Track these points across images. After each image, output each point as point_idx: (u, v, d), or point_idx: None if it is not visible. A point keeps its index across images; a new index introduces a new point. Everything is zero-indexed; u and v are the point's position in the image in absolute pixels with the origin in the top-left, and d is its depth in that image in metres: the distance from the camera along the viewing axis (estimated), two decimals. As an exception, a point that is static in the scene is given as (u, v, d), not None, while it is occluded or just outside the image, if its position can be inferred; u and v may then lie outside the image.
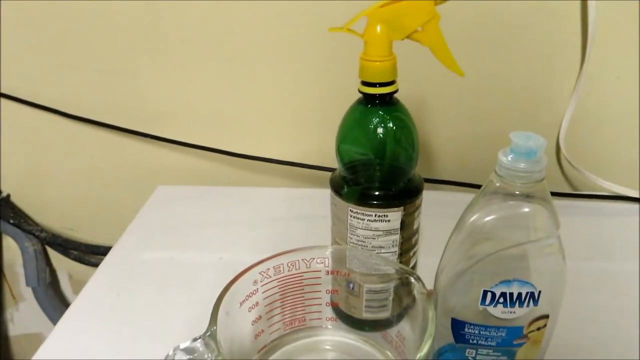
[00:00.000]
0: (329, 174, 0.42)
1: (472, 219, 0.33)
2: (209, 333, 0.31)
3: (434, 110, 0.64)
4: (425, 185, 0.41)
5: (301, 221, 0.60)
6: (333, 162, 0.41)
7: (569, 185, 0.68)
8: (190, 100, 0.67)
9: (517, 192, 0.30)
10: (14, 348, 0.89)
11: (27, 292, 0.82)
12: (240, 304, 0.36)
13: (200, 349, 0.30)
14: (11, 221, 0.73)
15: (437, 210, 0.48)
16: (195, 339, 0.30)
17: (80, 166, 0.72)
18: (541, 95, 0.63)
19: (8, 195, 0.75)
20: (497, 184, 0.31)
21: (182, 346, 0.30)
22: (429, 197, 0.42)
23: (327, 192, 0.41)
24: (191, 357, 0.29)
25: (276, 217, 0.62)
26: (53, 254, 0.79)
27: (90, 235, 0.77)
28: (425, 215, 0.42)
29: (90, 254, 0.76)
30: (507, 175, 0.30)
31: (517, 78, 0.62)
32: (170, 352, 0.30)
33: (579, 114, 0.62)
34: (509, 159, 0.29)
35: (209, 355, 0.29)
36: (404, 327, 0.40)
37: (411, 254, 0.42)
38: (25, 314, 0.86)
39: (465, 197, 0.35)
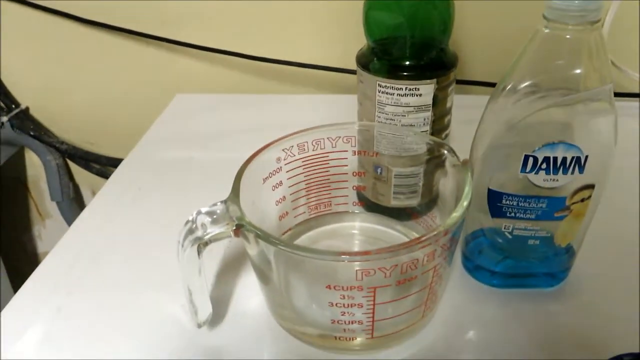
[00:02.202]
0: (353, 78, 0.38)
1: (512, 82, 0.30)
2: (229, 198, 0.29)
3: (467, 4, 0.59)
4: (455, 88, 0.38)
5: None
6: (353, 66, 0.38)
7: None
8: (208, 3, 0.63)
9: (568, 37, 0.27)
10: (44, 265, 0.91)
11: (53, 209, 0.83)
12: (264, 181, 0.35)
13: (221, 211, 0.28)
14: (32, 133, 0.72)
15: (468, 114, 0.44)
16: (215, 204, 0.29)
17: (98, 75, 0.70)
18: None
19: (27, 108, 0.74)
20: (546, 31, 0.28)
21: (203, 210, 0.29)
22: (458, 102, 0.39)
23: (352, 98, 0.38)
24: (213, 217, 0.28)
25: (299, 122, 0.58)
26: (75, 169, 0.79)
27: (111, 149, 0.76)
28: (455, 120, 0.39)
29: (112, 167, 0.75)
30: (559, 17, 0.27)
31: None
32: (192, 216, 0.29)
33: (623, 11, 0.57)
34: (561, -4, 0.26)
35: (232, 216, 0.28)
36: (436, 213, 0.38)
37: (443, 136, 0.39)
38: (52, 231, 0.87)
39: None
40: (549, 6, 0.27)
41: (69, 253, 0.41)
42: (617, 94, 0.60)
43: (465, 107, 0.43)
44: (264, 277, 0.31)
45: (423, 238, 0.25)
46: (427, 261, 0.27)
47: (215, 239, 0.28)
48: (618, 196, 0.41)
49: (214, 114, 0.63)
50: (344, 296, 0.27)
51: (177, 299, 0.34)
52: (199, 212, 0.29)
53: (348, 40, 0.62)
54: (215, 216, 0.28)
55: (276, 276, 0.30)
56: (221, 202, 0.29)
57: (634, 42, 0.61)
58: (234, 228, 0.28)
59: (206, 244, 0.28)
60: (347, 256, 0.25)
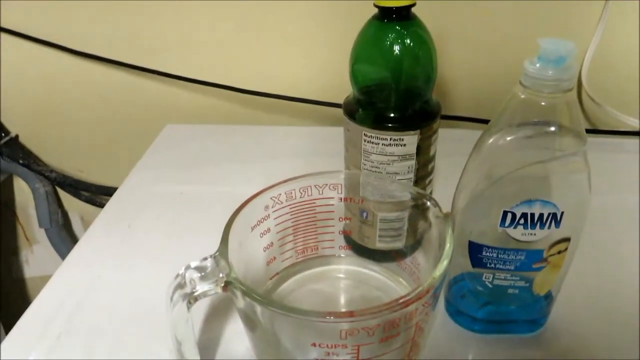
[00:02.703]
0: (339, 111, 0.40)
1: (493, 138, 0.32)
2: (218, 252, 0.30)
3: (450, 42, 0.61)
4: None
5: (311, 158, 0.59)
6: (342, 98, 0.40)
7: (590, 122, 0.65)
8: (197, 37, 0.64)
9: (543, 104, 0.28)
10: (30, 289, 0.90)
11: (41, 235, 0.83)
12: (252, 229, 0.35)
13: (210, 266, 0.29)
14: (21, 161, 0.72)
15: (451, 147, 0.46)
16: (205, 258, 0.30)
17: (88, 105, 0.71)
18: (564, 28, 0.60)
19: (17, 136, 0.74)
20: (522, 96, 0.29)
21: (192, 265, 0.29)
22: (443, 135, 0.41)
23: (337, 130, 0.39)
24: (202, 274, 0.29)
25: (286, 154, 0.60)
26: (64, 196, 0.79)
27: (101, 176, 0.77)
28: (438, 153, 0.41)
29: (102, 195, 0.75)
30: (533, 85, 0.28)
31: (538, 9, 0.59)
32: (182, 271, 0.29)
33: (602, 50, 0.59)
34: (536, 66, 0.28)
35: (221, 273, 0.29)
36: (419, 256, 0.39)
37: (427, 182, 0.40)
38: (39, 256, 0.87)
39: (480, 134, 0.33)
40: (524, 73, 0.28)
41: (56, 296, 0.41)
42: (600, 131, 0.61)
43: (450, 140, 0.45)
44: (251, 327, 0.32)
45: (406, 298, 0.26)
46: (410, 318, 0.28)
47: (204, 295, 0.29)
48: (595, 240, 0.43)
49: (203, 144, 0.64)
50: (328, 353, 0.27)
51: (166, 343, 0.35)
52: (188, 267, 0.29)
53: (335, 73, 0.63)
54: (204, 273, 0.29)
55: (263, 328, 0.31)
56: (210, 256, 0.30)
57: (616, 77, 0.63)
58: (222, 285, 0.28)
59: (195, 299, 0.29)
60: (332, 317, 0.26)
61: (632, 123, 0.61)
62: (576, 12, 0.59)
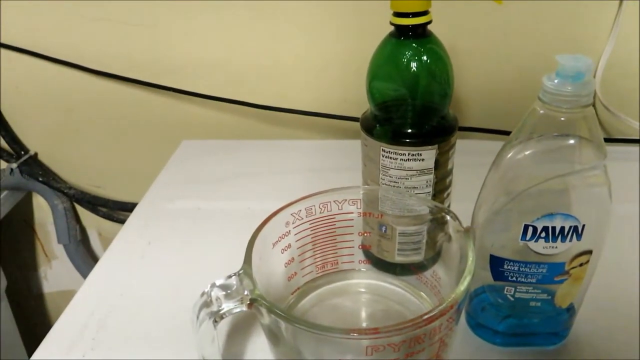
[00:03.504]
0: (355, 124, 0.40)
1: (512, 152, 0.32)
2: (242, 270, 0.30)
3: (464, 55, 0.61)
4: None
5: (328, 172, 0.60)
6: (358, 112, 0.40)
7: (605, 130, 0.65)
8: (213, 53, 0.65)
9: (562, 119, 0.28)
10: (49, 305, 0.92)
11: (59, 250, 0.84)
12: (273, 245, 0.36)
13: (235, 284, 0.29)
14: (40, 179, 0.73)
15: (467, 159, 0.46)
16: (229, 276, 0.30)
17: (105, 122, 0.72)
18: (577, 38, 0.60)
19: (36, 154, 0.75)
20: (541, 112, 0.29)
21: (217, 283, 0.30)
22: (459, 146, 0.41)
23: (353, 143, 0.40)
24: (227, 292, 0.29)
25: (302, 168, 0.61)
26: (82, 211, 0.80)
27: (118, 192, 0.78)
28: (455, 164, 0.41)
29: (119, 211, 0.76)
30: (552, 101, 0.28)
31: (552, 19, 0.59)
32: (207, 289, 0.30)
33: (616, 57, 0.59)
34: (555, 82, 0.28)
35: (246, 291, 0.29)
36: (439, 269, 0.39)
37: (445, 195, 0.41)
38: (58, 272, 0.88)
39: (496, 145, 0.33)
40: (543, 89, 0.29)
41: (80, 315, 0.42)
42: (614, 140, 0.61)
43: (466, 152, 0.45)
44: (274, 342, 0.32)
45: (430, 314, 0.26)
46: (434, 334, 0.28)
47: (229, 313, 0.29)
48: (617, 251, 0.42)
49: (220, 159, 0.64)
50: (354, 369, 0.28)
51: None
52: (213, 285, 0.30)
53: (350, 85, 0.64)
54: (229, 291, 0.29)
55: (287, 344, 0.31)
56: (235, 274, 0.30)
57: (630, 85, 0.63)
58: (248, 302, 0.29)
59: (221, 317, 0.29)
60: (356, 334, 0.26)
61: (647, 131, 0.61)
62: (589, 22, 0.59)
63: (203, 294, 0.30)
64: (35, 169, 0.74)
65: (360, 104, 0.41)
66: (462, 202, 0.39)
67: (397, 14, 0.34)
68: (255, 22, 0.62)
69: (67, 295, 0.91)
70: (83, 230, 0.82)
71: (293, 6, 0.61)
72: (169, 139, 0.69)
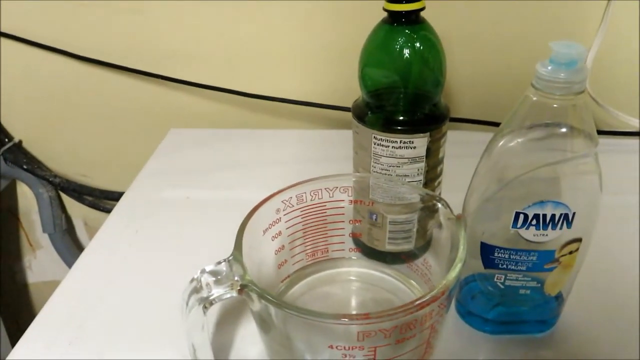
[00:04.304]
0: (347, 114, 0.40)
1: (504, 140, 0.32)
2: (232, 256, 0.30)
3: (455, 45, 0.61)
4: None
5: (318, 162, 0.59)
6: (349, 102, 0.40)
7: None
8: (202, 40, 0.65)
9: (555, 106, 0.28)
10: (33, 295, 0.90)
11: (44, 240, 0.83)
12: (264, 232, 0.35)
13: (225, 270, 0.29)
14: (24, 167, 0.72)
15: (458, 150, 0.46)
16: (219, 262, 0.30)
17: (91, 110, 0.71)
18: (566, 30, 0.60)
19: (20, 142, 0.74)
20: (534, 99, 0.29)
21: (207, 269, 0.29)
22: (449, 137, 0.41)
23: (344, 133, 0.39)
24: (217, 278, 0.29)
25: (292, 158, 0.61)
26: (68, 200, 0.79)
27: (104, 181, 0.77)
28: (446, 155, 0.41)
29: (105, 200, 0.75)
30: (546, 88, 0.28)
31: (542, 11, 0.59)
32: (197, 275, 0.29)
33: (605, 50, 0.60)
34: (548, 69, 0.28)
35: (236, 277, 0.29)
36: (430, 257, 0.39)
37: (436, 183, 0.41)
38: (43, 262, 0.86)
39: (486, 136, 0.33)
40: (536, 76, 0.29)
41: (66, 303, 0.41)
42: (603, 132, 0.61)
43: (457, 143, 0.45)
44: (265, 328, 0.32)
45: (422, 300, 0.26)
46: (425, 320, 0.28)
47: (220, 299, 0.29)
48: (605, 240, 0.43)
49: (208, 148, 0.64)
50: (345, 355, 0.28)
51: (179, 348, 0.35)
52: (203, 271, 0.29)
53: (339, 77, 0.64)
54: (219, 276, 0.29)
55: (277, 331, 0.31)
56: (225, 260, 0.30)
57: (619, 78, 0.63)
58: (238, 288, 0.28)
59: (211, 303, 0.29)
60: (347, 319, 0.26)
61: (634, 123, 0.61)
62: (578, 15, 0.59)
63: (193, 280, 0.29)
64: (19, 157, 0.72)
65: (351, 94, 0.40)
66: (452, 192, 0.39)
67: (391, 0, 0.34)
68: (245, 9, 0.62)
69: (52, 286, 0.89)
70: (68, 220, 0.81)
71: (283, -6, 0.61)
72: (157, 127, 0.68)
